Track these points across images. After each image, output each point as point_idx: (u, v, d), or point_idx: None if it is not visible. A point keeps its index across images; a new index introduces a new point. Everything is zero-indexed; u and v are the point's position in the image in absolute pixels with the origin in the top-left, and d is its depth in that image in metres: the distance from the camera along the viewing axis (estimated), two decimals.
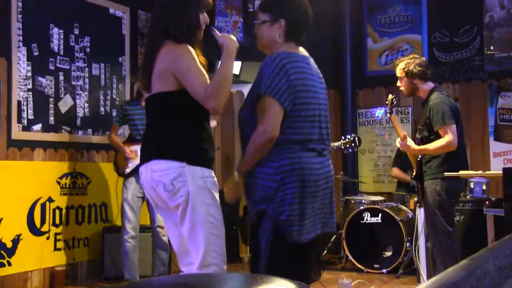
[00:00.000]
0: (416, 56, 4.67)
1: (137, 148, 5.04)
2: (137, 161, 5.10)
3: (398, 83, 4.68)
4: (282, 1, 2.85)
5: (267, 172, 2.66)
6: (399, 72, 4.59)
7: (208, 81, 2.75)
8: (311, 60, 2.86)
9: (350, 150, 4.56)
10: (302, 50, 2.85)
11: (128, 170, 5.27)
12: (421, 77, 4.51)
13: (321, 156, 2.75)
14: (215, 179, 2.85)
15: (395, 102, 4.61)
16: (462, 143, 4.55)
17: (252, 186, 2.73)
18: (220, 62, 2.88)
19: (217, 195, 2.85)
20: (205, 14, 2.92)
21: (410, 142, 4.50)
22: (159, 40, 2.82)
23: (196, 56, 2.79)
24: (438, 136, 4.34)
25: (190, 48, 2.79)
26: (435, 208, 4.39)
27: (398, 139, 4.56)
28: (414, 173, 4.69)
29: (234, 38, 2.94)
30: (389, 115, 4.64)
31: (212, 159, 2.86)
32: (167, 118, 2.83)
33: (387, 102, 4.64)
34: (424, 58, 4.70)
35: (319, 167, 2.72)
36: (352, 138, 4.46)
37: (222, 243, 2.85)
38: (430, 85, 4.56)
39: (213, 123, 5.37)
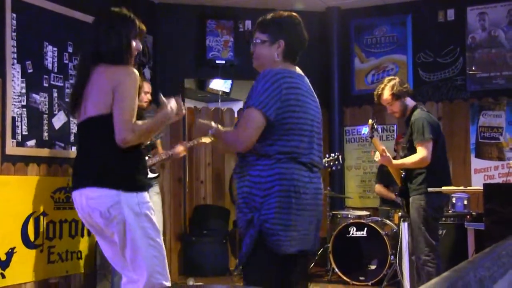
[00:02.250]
0: (390, 78, 4.68)
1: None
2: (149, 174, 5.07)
3: (389, 110, 4.68)
4: (282, 23, 2.89)
5: (256, 181, 2.64)
6: (387, 99, 4.55)
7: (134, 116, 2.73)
8: (306, 79, 2.88)
9: (333, 168, 4.60)
10: (297, 69, 2.87)
11: None
12: (408, 93, 4.55)
13: (310, 171, 2.73)
14: (150, 203, 2.80)
15: (375, 126, 4.64)
16: (444, 159, 4.58)
17: (241, 195, 2.71)
18: (156, 118, 2.88)
19: (153, 217, 2.79)
20: (138, 41, 2.89)
21: (389, 157, 4.53)
22: (91, 63, 2.77)
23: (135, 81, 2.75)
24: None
25: (136, 72, 2.75)
26: (420, 223, 4.41)
27: (377, 154, 4.59)
28: (398, 189, 4.71)
29: (174, 108, 2.93)
30: (370, 138, 4.67)
31: (147, 184, 2.84)
32: (103, 143, 2.75)
33: (368, 126, 4.66)
34: (397, 77, 4.74)
35: (308, 181, 2.70)
36: (336, 156, 4.48)
37: (164, 263, 2.82)
38: (412, 102, 4.61)
39: (178, 149, 5.28)
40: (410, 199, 4.48)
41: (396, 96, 4.49)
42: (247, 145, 2.64)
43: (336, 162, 4.38)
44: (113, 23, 2.82)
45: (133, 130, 2.71)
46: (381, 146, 4.55)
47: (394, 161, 4.52)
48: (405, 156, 4.55)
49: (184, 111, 3.03)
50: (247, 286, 2.66)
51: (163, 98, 2.96)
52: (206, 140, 5.32)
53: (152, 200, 5.04)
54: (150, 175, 5.07)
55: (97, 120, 2.74)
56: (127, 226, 2.69)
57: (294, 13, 2.97)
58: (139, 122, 2.78)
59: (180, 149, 5.20)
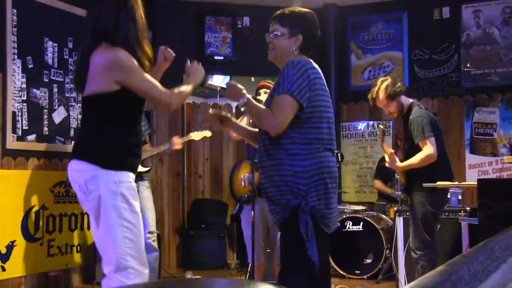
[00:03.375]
0: (382, 79, 4.63)
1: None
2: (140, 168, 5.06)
3: (386, 112, 4.67)
4: (300, 17, 2.96)
5: (298, 170, 2.74)
6: (382, 101, 4.53)
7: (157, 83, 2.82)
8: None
9: None
10: (312, 62, 2.94)
11: None
12: (402, 92, 4.52)
13: (334, 157, 2.91)
14: (133, 184, 2.77)
15: (386, 133, 4.63)
16: (445, 155, 4.58)
17: (278, 183, 2.77)
18: (187, 84, 2.98)
19: (134, 200, 2.75)
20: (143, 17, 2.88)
21: (396, 160, 4.52)
22: (91, 42, 2.77)
23: (134, 61, 2.74)
24: (419, 149, 4.37)
25: (126, 52, 2.73)
26: (418, 219, 4.41)
27: (386, 158, 4.59)
28: (403, 186, 4.70)
29: (201, 74, 3.08)
30: (380, 144, 4.65)
31: (132, 164, 2.80)
32: (94, 120, 2.80)
33: (379, 132, 4.64)
34: (389, 77, 4.69)
35: (335, 166, 2.89)
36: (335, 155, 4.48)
37: (139, 247, 2.76)
38: (407, 100, 4.58)
39: (208, 133, 5.33)
40: (412, 195, 4.48)
41: (391, 97, 4.47)
42: (280, 129, 2.75)
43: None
44: (114, 5, 2.79)
45: (172, 94, 2.84)
46: (389, 149, 4.55)
47: (401, 164, 4.51)
48: (406, 155, 4.55)
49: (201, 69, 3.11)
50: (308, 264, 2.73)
51: (188, 64, 3.10)
52: (196, 137, 5.33)
53: (142, 195, 5.09)
54: (141, 168, 5.06)
55: (89, 99, 2.78)
56: (101, 203, 2.66)
57: (310, 10, 3.04)
58: (175, 89, 2.87)
59: (176, 140, 5.20)
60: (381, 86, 4.49)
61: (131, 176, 2.78)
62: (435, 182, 4.31)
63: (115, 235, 2.68)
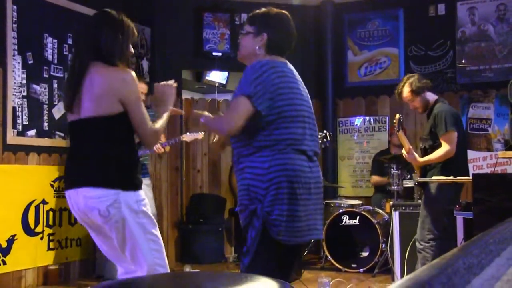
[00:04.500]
0: (409, 75, 4.67)
1: None
2: None
3: (411, 107, 4.68)
4: (269, 16, 2.83)
5: (258, 172, 2.57)
6: (407, 96, 4.55)
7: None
8: (290, 66, 2.79)
9: (323, 146, 4.52)
10: (281, 59, 2.79)
11: None
12: (428, 88, 4.55)
13: (310, 161, 2.66)
14: (146, 199, 2.82)
15: (401, 120, 4.59)
16: (463, 149, 4.59)
17: (242, 187, 2.65)
18: (162, 115, 2.93)
19: (149, 211, 2.80)
20: (131, 46, 2.87)
21: (415, 155, 4.52)
22: (88, 59, 2.73)
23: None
24: (440, 144, 4.40)
25: (133, 74, 2.74)
26: (428, 212, 4.44)
27: (404, 151, 4.58)
28: (417, 179, 4.70)
29: (172, 96, 3.00)
30: (396, 132, 4.62)
31: (141, 183, 2.82)
32: (99, 143, 2.73)
33: (394, 121, 4.61)
34: (416, 74, 4.73)
35: (308, 171, 2.63)
36: (324, 135, 4.44)
37: (164, 255, 2.83)
38: (433, 96, 4.61)
39: (199, 135, 5.38)
40: (426, 188, 4.50)
41: (416, 92, 4.51)
42: (230, 128, 2.61)
43: (325, 140, 4.32)
44: (114, 26, 2.79)
45: (155, 134, 2.81)
46: (408, 145, 4.53)
47: (421, 159, 4.51)
48: (425, 148, 4.56)
49: (173, 92, 3.01)
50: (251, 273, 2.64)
51: (158, 86, 3.01)
52: (188, 138, 5.37)
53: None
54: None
55: (94, 120, 2.70)
56: (126, 224, 2.68)
57: (284, 11, 2.90)
58: (156, 125, 2.84)
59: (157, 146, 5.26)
60: (407, 82, 4.55)
61: (143, 193, 2.82)
62: (449, 177, 4.33)
63: (144, 249, 2.73)
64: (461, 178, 4.32)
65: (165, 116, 2.93)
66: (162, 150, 5.34)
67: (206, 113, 2.80)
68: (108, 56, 2.73)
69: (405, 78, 4.65)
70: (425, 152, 4.55)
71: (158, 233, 2.83)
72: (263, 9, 2.90)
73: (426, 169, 4.54)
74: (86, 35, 2.82)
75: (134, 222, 2.70)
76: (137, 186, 2.75)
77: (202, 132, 5.42)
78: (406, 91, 4.55)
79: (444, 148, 4.35)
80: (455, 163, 4.43)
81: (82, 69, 2.72)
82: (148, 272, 2.74)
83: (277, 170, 2.55)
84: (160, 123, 2.88)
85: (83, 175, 2.73)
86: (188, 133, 5.43)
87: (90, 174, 2.72)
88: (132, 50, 2.87)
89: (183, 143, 6.92)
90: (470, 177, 4.23)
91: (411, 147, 4.54)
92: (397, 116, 4.59)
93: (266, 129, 2.60)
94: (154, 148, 5.21)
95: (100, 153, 2.74)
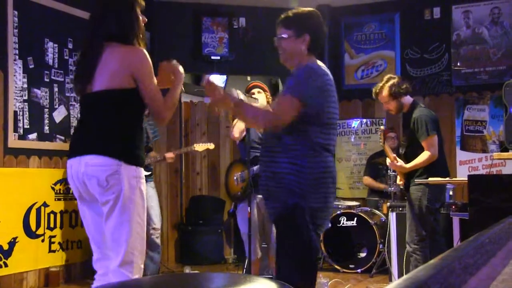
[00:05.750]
0: (389, 76, 4.65)
1: None
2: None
3: (385, 107, 4.69)
4: (305, 17, 2.93)
5: (305, 171, 2.70)
6: (384, 97, 4.56)
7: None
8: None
9: None
10: (322, 64, 2.92)
11: None
12: (406, 93, 4.55)
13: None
14: (145, 183, 2.79)
15: (386, 131, 4.67)
16: (442, 152, 4.61)
17: (284, 182, 2.73)
18: (174, 88, 2.91)
19: (145, 197, 2.77)
20: (143, 15, 2.86)
21: (400, 162, 4.53)
22: (102, 41, 2.74)
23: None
24: (421, 147, 4.41)
25: (146, 52, 2.74)
26: (414, 213, 4.44)
27: (389, 160, 4.61)
28: (402, 183, 4.71)
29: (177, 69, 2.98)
30: (382, 145, 4.70)
31: (144, 160, 2.82)
32: (109, 115, 2.73)
33: (380, 133, 4.71)
34: (397, 76, 4.72)
35: (335, 169, 2.91)
36: None
37: (144, 244, 2.78)
38: (410, 99, 4.61)
39: (211, 145, 5.45)
40: (410, 190, 4.50)
41: (393, 96, 4.51)
42: (277, 124, 2.72)
43: None
44: (123, 4, 2.79)
45: (168, 107, 2.79)
46: (391, 154, 4.57)
47: (408, 165, 4.52)
48: (406, 153, 4.58)
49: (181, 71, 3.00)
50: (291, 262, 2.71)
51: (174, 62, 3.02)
52: (199, 148, 5.39)
53: (148, 194, 5.13)
54: (145, 172, 5.12)
55: (105, 94, 2.71)
56: (121, 197, 2.64)
57: (314, 9, 3.00)
58: (167, 98, 2.82)
59: (170, 155, 5.39)
60: (387, 84, 4.53)
61: (145, 173, 2.81)
62: (435, 178, 4.35)
63: (130, 229, 2.68)
64: (458, 179, 4.33)
65: (176, 92, 2.91)
66: (172, 160, 5.41)
67: (234, 92, 2.86)
68: (122, 36, 2.74)
69: (385, 78, 4.61)
70: (406, 157, 4.57)
71: (145, 218, 2.78)
72: (293, 11, 2.97)
73: (410, 175, 4.54)
74: (99, 18, 2.82)
75: (129, 198, 2.66)
76: (139, 163, 2.74)
77: (213, 144, 5.47)
78: (384, 92, 4.54)
79: (428, 152, 4.38)
80: (438, 165, 4.46)
81: (98, 51, 2.72)
82: (125, 253, 2.67)
83: (320, 172, 2.75)
84: (172, 98, 2.86)
85: (88, 144, 2.73)
86: (200, 144, 5.45)
87: (95, 142, 2.71)
88: (145, 20, 2.86)
89: (182, 146, 6.92)
90: (463, 178, 4.26)
91: (395, 155, 4.57)
92: (382, 128, 4.68)
93: (313, 131, 2.75)
94: (168, 156, 5.29)
95: (107, 125, 2.73)
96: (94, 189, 2.68)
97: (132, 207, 2.67)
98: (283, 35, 2.90)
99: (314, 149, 2.73)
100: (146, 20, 2.88)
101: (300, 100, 2.70)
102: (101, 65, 2.71)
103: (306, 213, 2.70)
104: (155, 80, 2.76)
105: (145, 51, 2.74)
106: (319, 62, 2.91)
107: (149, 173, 5.23)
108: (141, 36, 2.81)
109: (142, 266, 2.80)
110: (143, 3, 2.88)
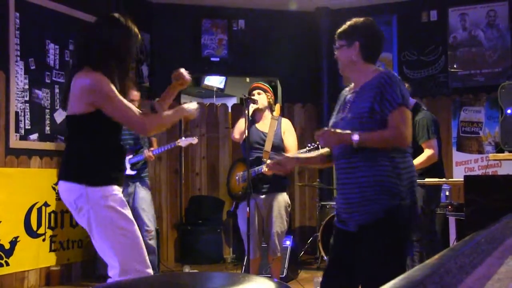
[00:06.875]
0: None
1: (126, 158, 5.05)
2: (128, 171, 5.10)
3: None
4: (355, 25, 2.93)
5: (398, 172, 2.66)
6: None
7: (132, 107, 2.79)
8: None
9: None
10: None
11: None
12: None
13: None
14: (119, 195, 2.79)
15: None
16: (440, 153, 4.62)
17: (379, 185, 2.64)
18: (174, 111, 2.94)
19: (124, 210, 2.78)
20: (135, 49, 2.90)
21: None
22: (78, 63, 2.79)
23: (112, 86, 2.74)
24: (420, 149, 4.41)
25: (104, 77, 2.74)
26: None
27: None
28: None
29: (194, 108, 3.03)
30: None
31: (115, 178, 2.82)
32: (74, 140, 2.85)
33: None
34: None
35: None
36: (316, 145, 4.41)
37: (139, 249, 2.78)
38: (412, 100, 4.60)
39: (194, 140, 5.41)
40: None
41: None
42: (409, 140, 2.69)
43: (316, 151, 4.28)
44: (107, 28, 2.81)
45: (144, 125, 2.81)
46: None
47: None
48: None
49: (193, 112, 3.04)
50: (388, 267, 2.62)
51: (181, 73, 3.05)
52: (182, 144, 5.37)
53: (139, 196, 5.18)
54: (130, 172, 5.16)
55: (72, 118, 2.82)
56: (92, 218, 2.72)
57: (370, 18, 3.01)
58: (159, 115, 2.88)
59: (148, 153, 5.26)
60: None
61: (116, 188, 2.81)
62: (434, 178, 4.36)
63: (112, 243, 2.73)
64: (455, 180, 4.33)
65: (174, 115, 2.94)
66: (153, 157, 5.35)
67: (348, 133, 2.70)
68: (95, 61, 2.76)
69: None
70: None
71: (132, 228, 2.78)
72: (348, 22, 3.00)
73: None
74: (81, 41, 2.90)
75: (99, 216, 2.71)
76: (105, 182, 2.76)
77: (196, 137, 5.45)
78: None
79: (427, 153, 4.40)
80: (435, 168, 4.48)
81: (72, 73, 2.80)
82: (121, 266, 2.70)
83: (410, 171, 2.72)
84: (166, 117, 2.91)
85: (61, 170, 2.89)
86: (183, 138, 5.42)
87: (64, 168, 2.86)
88: (134, 53, 2.90)
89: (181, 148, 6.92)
90: (459, 178, 4.26)
91: None
92: None
93: None
94: (146, 155, 5.22)
95: (72, 149, 2.86)
96: (72, 211, 2.81)
97: (106, 224, 2.72)
98: (336, 46, 2.96)
99: (401, 149, 2.70)
100: (139, 54, 2.91)
101: (407, 107, 2.70)
102: (71, 89, 2.78)
103: (406, 213, 2.64)
104: (118, 99, 2.74)
105: (98, 75, 2.73)
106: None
107: (133, 172, 5.21)
108: (123, 64, 2.83)
109: (149, 270, 2.81)
110: (136, 33, 2.89)
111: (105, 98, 2.72)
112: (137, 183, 5.26)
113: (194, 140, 5.40)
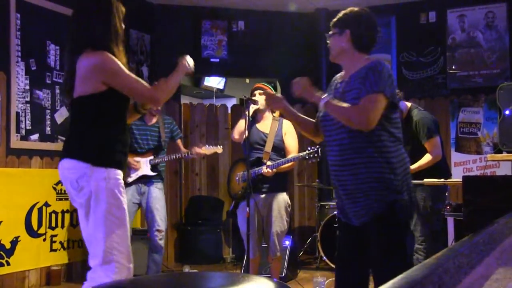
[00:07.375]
0: None
1: (141, 159, 5.00)
2: (140, 171, 5.03)
3: None
4: (348, 14, 2.91)
5: (392, 167, 2.64)
6: None
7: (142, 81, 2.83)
8: None
9: (310, 161, 4.41)
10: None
11: (130, 180, 5.03)
12: (399, 101, 4.54)
13: None
14: (120, 181, 2.80)
15: None
16: (444, 152, 4.63)
17: (374, 181, 2.63)
18: (175, 74, 2.97)
19: (122, 196, 2.78)
20: (122, 23, 2.91)
21: None
22: (80, 47, 2.79)
23: (118, 62, 2.78)
24: (423, 149, 4.40)
25: (110, 54, 2.77)
26: (419, 213, 4.45)
27: None
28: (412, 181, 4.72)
29: (189, 64, 3.05)
30: None
31: (120, 161, 2.82)
32: (83, 120, 2.83)
33: None
34: None
35: None
36: (316, 149, 4.39)
37: (125, 242, 2.79)
38: (406, 104, 4.60)
39: (219, 149, 5.22)
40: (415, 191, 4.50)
41: None
42: (372, 125, 2.61)
43: (316, 155, 4.26)
44: (101, 10, 2.82)
45: (161, 89, 2.86)
46: None
47: (412, 166, 4.51)
48: (410, 155, 4.57)
49: (191, 67, 3.07)
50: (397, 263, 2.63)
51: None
52: (207, 152, 5.17)
53: (152, 195, 5.06)
54: (150, 173, 5.05)
55: (79, 100, 2.80)
56: (92, 198, 2.70)
57: (366, 9, 2.96)
58: (161, 81, 2.89)
59: (198, 150, 5.11)
60: None
61: (119, 173, 2.81)
62: (440, 178, 4.36)
63: (104, 228, 2.72)
64: (453, 181, 4.34)
65: (173, 76, 2.96)
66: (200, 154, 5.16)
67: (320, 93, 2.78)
68: (97, 42, 2.77)
69: None
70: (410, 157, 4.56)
71: (124, 218, 2.78)
72: (343, 11, 2.97)
73: (414, 176, 4.53)
74: (77, 24, 2.87)
75: (99, 198, 2.71)
76: (110, 164, 2.76)
77: (221, 146, 5.24)
78: None
79: (432, 153, 4.38)
80: (440, 166, 4.47)
81: (75, 58, 2.79)
82: (104, 253, 2.72)
83: (403, 164, 2.70)
84: (168, 81, 2.92)
85: (64, 149, 2.90)
86: (207, 146, 5.22)
87: (68, 147, 2.86)
88: (123, 27, 2.90)
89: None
90: (458, 179, 4.27)
91: None
92: None
93: (389, 125, 2.69)
94: (194, 153, 5.04)
95: (80, 129, 2.83)
96: (70, 192, 2.78)
97: (102, 207, 2.71)
98: (329, 34, 2.93)
99: (394, 143, 2.69)
100: (124, 27, 2.91)
101: (386, 95, 2.63)
102: (77, 72, 2.78)
103: (404, 206, 2.63)
104: (127, 74, 2.77)
105: (107, 53, 2.75)
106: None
107: (154, 174, 5.12)
108: (117, 40, 2.85)
109: (131, 266, 2.82)
110: (123, 9, 2.90)
111: (115, 74, 2.74)
112: (154, 183, 5.15)
113: (219, 149, 5.18)
